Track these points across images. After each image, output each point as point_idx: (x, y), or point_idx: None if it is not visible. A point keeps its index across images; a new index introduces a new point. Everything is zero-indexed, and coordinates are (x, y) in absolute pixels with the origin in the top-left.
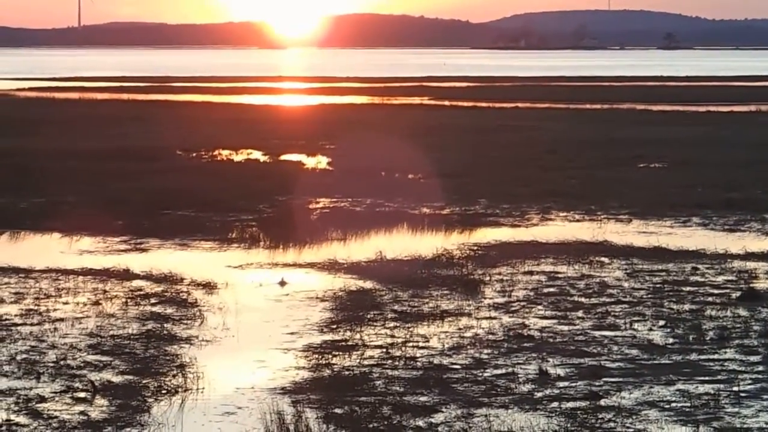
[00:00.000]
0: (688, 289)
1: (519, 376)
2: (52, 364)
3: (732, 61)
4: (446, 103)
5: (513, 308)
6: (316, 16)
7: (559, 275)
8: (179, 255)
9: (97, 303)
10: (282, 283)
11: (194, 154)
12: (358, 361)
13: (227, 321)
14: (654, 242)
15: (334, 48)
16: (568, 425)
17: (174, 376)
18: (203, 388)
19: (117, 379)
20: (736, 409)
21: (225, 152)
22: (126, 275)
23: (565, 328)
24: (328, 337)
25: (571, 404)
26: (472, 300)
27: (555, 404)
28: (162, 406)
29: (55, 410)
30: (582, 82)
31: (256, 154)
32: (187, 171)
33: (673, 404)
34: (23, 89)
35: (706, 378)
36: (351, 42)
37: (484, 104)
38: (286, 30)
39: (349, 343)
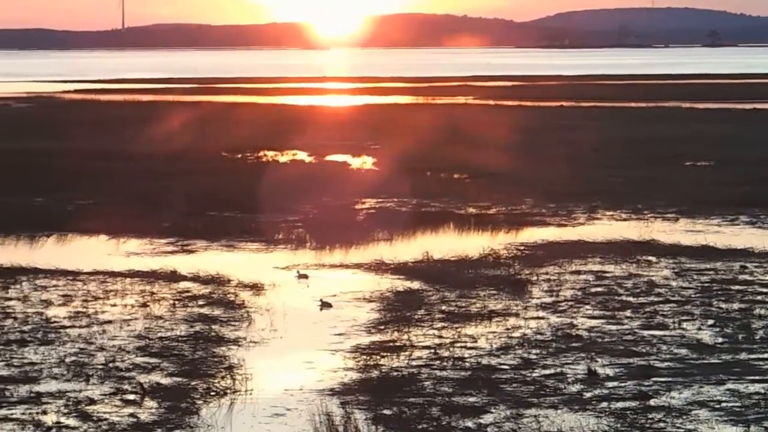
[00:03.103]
0: (736, 287)
1: (568, 376)
2: (101, 367)
3: None
4: (490, 102)
5: (561, 308)
6: (359, 16)
7: (607, 274)
8: (226, 256)
9: (144, 305)
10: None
11: (239, 156)
12: (406, 361)
13: (275, 322)
14: (702, 241)
15: (378, 48)
16: (618, 425)
17: (222, 377)
18: (252, 390)
19: (166, 381)
20: None
21: (270, 153)
22: (173, 277)
23: (614, 327)
24: (376, 338)
25: (620, 404)
26: (520, 300)
27: (604, 404)
28: (211, 408)
29: (105, 412)
30: (626, 80)
31: (302, 155)
32: (232, 172)
33: (723, 404)
34: (68, 91)
35: (757, 377)
36: (394, 42)
37: (528, 103)
38: (330, 30)
39: (397, 343)
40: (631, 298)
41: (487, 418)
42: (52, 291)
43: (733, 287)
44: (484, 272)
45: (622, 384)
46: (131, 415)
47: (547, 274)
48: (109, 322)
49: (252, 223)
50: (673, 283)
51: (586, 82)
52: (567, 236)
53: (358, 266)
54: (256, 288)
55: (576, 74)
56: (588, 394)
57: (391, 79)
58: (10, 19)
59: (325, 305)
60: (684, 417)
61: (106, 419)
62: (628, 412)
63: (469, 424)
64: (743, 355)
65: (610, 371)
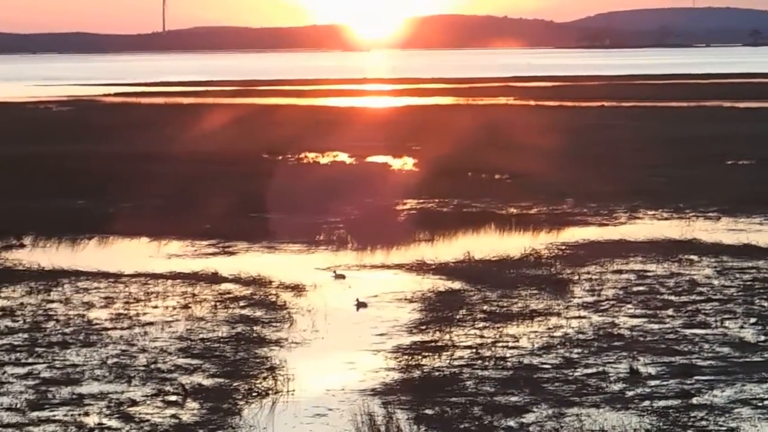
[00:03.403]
0: None
1: (610, 375)
2: (142, 368)
3: None
4: (531, 103)
5: (602, 307)
6: (399, 17)
7: (649, 273)
8: (267, 258)
9: (186, 306)
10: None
11: (280, 157)
12: (447, 361)
13: (316, 323)
14: (743, 239)
15: (418, 49)
16: (660, 424)
17: (264, 378)
18: (293, 390)
19: (207, 382)
20: None
21: (311, 155)
22: (214, 278)
23: (656, 326)
24: (418, 338)
25: (662, 403)
26: (561, 299)
27: (646, 403)
28: (253, 409)
29: (147, 414)
30: (667, 80)
31: (342, 156)
32: (273, 174)
33: (766, 402)
34: (109, 95)
35: None
36: (434, 43)
37: (569, 104)
38: (370, 32)
39: (439, 343)
40: (672, 297)
41: (529, 418)
42: (94, 293)
43: None
44: (526, 272)
45: (665, 383)
46: (173, 416)
47: (588, 273)
48: (151, 323)
49: (293, 225)
50: (715, 282)
51: (626, 82)
52: (608, 236)
53: (399, 266)
54: (298, 289)
55: (617, 74)
56: (630, 393)
57: (431, 80)
58: (51, 23)
59: (361, 305)
60: (726, 415)
61: (147, 420)
62: (671, 410)
63: (511, 423)
64: None
65: (652, 370)
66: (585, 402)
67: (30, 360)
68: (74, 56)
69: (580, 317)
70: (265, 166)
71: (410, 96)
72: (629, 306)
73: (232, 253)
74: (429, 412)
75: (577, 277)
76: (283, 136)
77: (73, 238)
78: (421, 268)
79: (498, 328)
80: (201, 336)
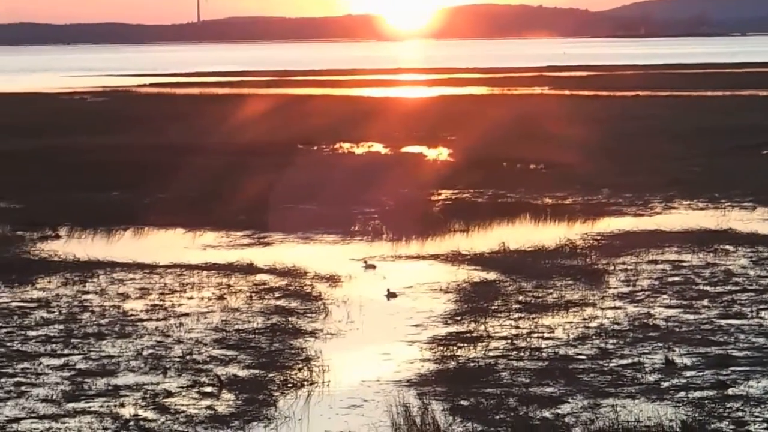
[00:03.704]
0: None
1: (645, 365)
2: (178, 359)
3: None
4: (566, 92)
5: (638, 298)
6: (433, 7)
7: (684, 264)
8: (302, 248)
9: (221, 298)
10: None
11: (315, 148)
12: (483, 352)
13: (351, 314)
14: None
15: (452, 39)
16: (696, 415)
17: (299, 369)
18: (329, 382)
19: (243, 373)
20: None
21: (346, 145)
22: (250, 269)
23: (691, 317)
24: (453, 328)
25: (698, 393)
26: (597, 290)
27: (682, 394)
28: (288, 400)
29: (182, 405)
30: (702, 69)
31: (377, 147)
32: (308, 164)
33: None
34: (144, 85)
35: None
36: (469, 33)
37: (604, 93)
38: (404, 22)
39: (474, 334)
40: (708, 288)
41: (564, 408)
42: (129, 284)
43: None
44: (561, 262)
45: (700, 373)
46: (208, 407)
47: (623, 263)
48: (186, 314)
49: (328, 215)
50: (751, 272)
51: (662, 71)
52: (643, 226)
53: (434, 257)
54: (333, 280)
55: (652, 63)
56: (665, 384)
57: (465, 70)
58: (86, 14)
59: (391, 295)
60: (763, 406)
61: (183, 412)
62: (706, 401)
63: (547, 414)
64: None
65: (687, 360)
66: (620, 393)
67: (65, 351)
68: (109, 47)
69: (615, 308)
70: (299, 156)
71: (444, 86)
72: (664, 296)
73: (267, 244)
74: (464, 403)
75: (612, 268)
76: (318, 126)
77: (109, 230)
78: (456, 258)
79: (533, 318)
80: (236, 327)
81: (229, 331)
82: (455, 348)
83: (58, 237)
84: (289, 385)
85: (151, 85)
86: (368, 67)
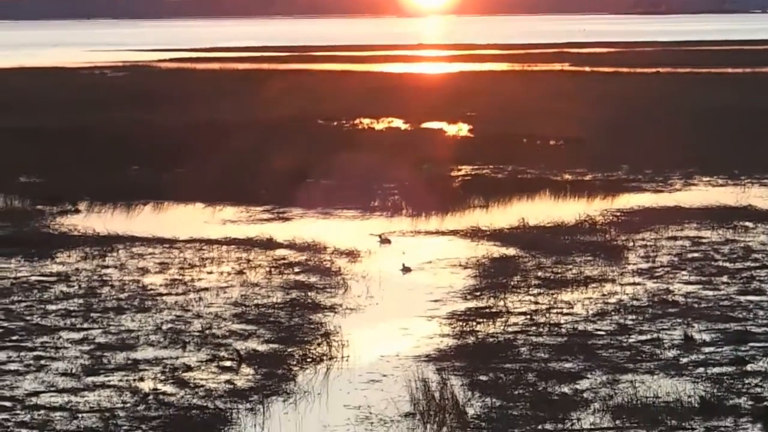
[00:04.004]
0: None
1: (664, 341)
2: (197, 334)
3: None
4: (586, 69)
5: (657, 274)
6: None
7: (703, 240)
8: (322, 224)
9: (241, 272)
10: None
11: (335, 123)
12: (502, 328)
13: (371, 289)
14: None
15: (472, 15)
16: (714, 390)
17: (319, 344)
18: (348, 356)
19: (262, 347)
20: None
21: (366, 121)
22: (269, 244)
23: (710, 293)
24: (472, 304)
25: (716, 369)
26: (616, 266)
27: (701, 369)
28: (307, 375)
29: (202, 379)
30: (724, 46)
31: (397, 123)
32: (328, 140)
33: None
34: (164, 60)
35: None
36: (489, 9)
37: (624, 70)
38: None
39: (493, 310)
40: (727, 264)
41: (583, 384)
42: (149, 259)
43: None
44: (580, 238)
45: (719, 349)
46: (228, 381)
47: (643, 240)
48: (206, 289)
49: (347, 190)
50: None
51: (683, 48)
52: (663, 202)
53: (453, 232)
54: (352, 255)
55: (673, 40)
56: (684, 360)
57: (486, 46)
58: None
59: (406, 269)
60: None
61: (202, 386)
62: (725, 377)
63: (566, 389)
64: None
65: (706, 336)
66: (639, 368)
67: (85, 325)
68: (129, 21)
69: (634, 284)
70: (320, 132)
71: (465, 62)
72: (684, 273)
73: (286, 219)
74: (483, 378)
75: (631, 244)
76: (338, 102)
77: (128, 204)
78: (475, 234)
79: (552, 294)
80: (255, 302)
81: (249, 306)
82: (474, 323)
83: (78, 211)
84: (309, 359)
85: (171, 60)
86: (389, 43)
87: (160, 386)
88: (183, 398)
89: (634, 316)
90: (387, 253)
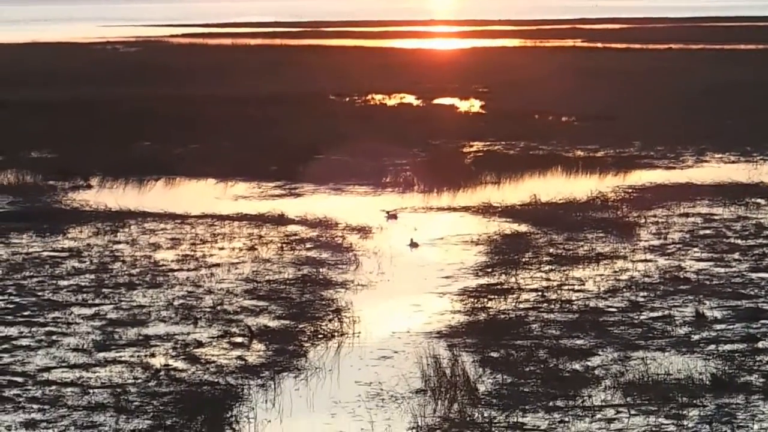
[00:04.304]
0: None
1: (675, 318)
2: (208, 310)
3: None
4: (599, 45)
5: (668, 251)
6: None
7: (715, 217)
8: (333, 200)
9: (252, 248)
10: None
11: (347, 99)
12: (513, 304)
13: (382, 265)
14: None
15: None
16: (726, 368)
17: (330, 320)
18: (359, 333)
19: (273, 323)
20: None
21: (378, 96)
22: (281, 220)
23: (722, 270)
24: (483, 280)
25: (728, 347)
26: (628, 242)
27: (712, 347)
28: (318, 351)
29: (213, 355)
30: (737, 22)
31: (409, 98)
32: (340, 116)
33: None
34: (176, 35)
35: None
36: None
37: (636, 46)
38: None
39: (505, 286)
40: (739, 241)
41: (594, 361)
42: (161, 234)
43: None
44: (592, 215)
45: (730, 326)
46: (239, 357)
47: (655, 216)
48: (217, 265)
49: (359, 166)
50: None
51: (695, 24)
52: (675, 179)
53: (465, 209)
54: (364, 231)
55: (685, 16)
56: (696, 337)
57: (498, 22)
58: None
59: (413, 245)
60: None
61: (213, 362)
62: (736, 354)
63: (577, 366)
64: None
65: (718, 314)
66: (650, 345)
67: (96, 301)
68: None
69: (646, 260)
70: (331, 107)
71: (477, 38)
72: (695, 249)
73: (298, 195)
74: (494, 354)
75: (643, 221)
76: (350, 77)
77: (140, 180)
78: (487, 210)
79: (564, 271)
80: (267, 278)
81: (260, 282)
82: (486, 300)
83: (89, 187)
84: (320, 336)
85: (183, 35)
86: (401, 19)
87: (171, 362)
88: (194, 374)
89: (645, 293)
90: (398, 230)
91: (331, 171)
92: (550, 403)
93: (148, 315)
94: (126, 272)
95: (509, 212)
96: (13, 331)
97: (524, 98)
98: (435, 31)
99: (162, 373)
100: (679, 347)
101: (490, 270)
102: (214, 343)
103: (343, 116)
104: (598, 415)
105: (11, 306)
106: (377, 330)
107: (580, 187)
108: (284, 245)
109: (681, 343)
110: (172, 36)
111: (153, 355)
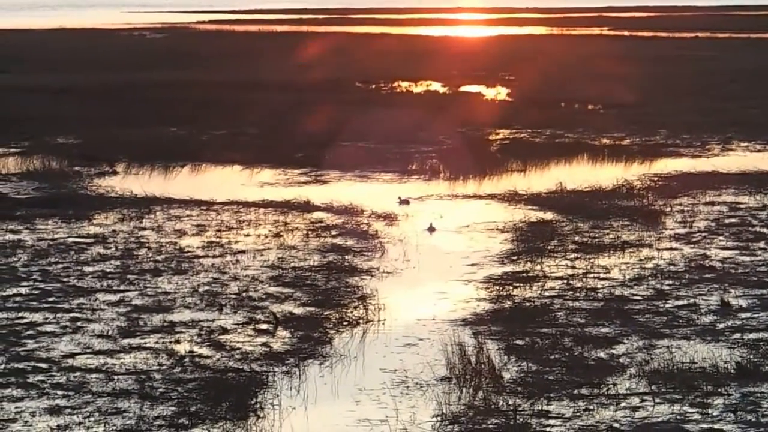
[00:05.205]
0: None
1: (701, 307)
2: (234, 296)
3: None
4: (626, 33)
5: (694, 239)
6: None
7: (741, 205)
8: (359, 187)
9: (278, 235)
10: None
11: (373, 86)
12: (538, 292)
13: (408, 252)
14: None
15: None
16: (751, 356)
17: (355, 307)
18: (384, 320)
19: (299, 310)
20: None
21: (404, 84)
22: (306, 207)
23: (747, 258)
24: (509, 268)
25: (753, 335)
26: (653, 231)
27: (737, 335)
28: (343, 338)
29: (238, 342)
30: (762, 11)
31: (435, 86)
32: (366, 102)
33: None
34: (203, 22)
35: None
36: None
37: (663, 34)
38: None
39: (530, 274)
40: (765, 230)
41: (619, 349)
42: (186, 221)
43: None
44: (618, 203)
45: (756, 315)
46: (264, 344)
47: (680, 205)
48: (243, 252)
49: (385, 154)
50: None
51: (722, 12)
52: (701, 167)
53: (491, 196)
54: (389, 218)
55: (712, 5)
56: (721, 325)
57: (525, 9)
58: None
59: (431, 229)
60: None
61: (238, 348)
62: (761, 343)
63: (602, 354)
64: None
65: (743, 302)
66: (675, 334)
67: (122, 287)
68: None
69: (671, 249)
70: (358, 94)
71: (503, 26)
72: (721, 238)
73: (323, 182)
74: (519, 342)
75: (669, 209)
76: (376, 64)
77: (166, 166)
78: (512, 198)
79: (589, 259)
80: (292, 264)
81: (285, 269)
82: (511, 287)
83: (115, 173)
84: (345, 323)
85: (210, 22)
86: (428, 6)
87: (196, 348)
88: (219, 361)
89: (670, 281)
90: (425, 217)
91: (357, 158)
92: (575, 391)
93: (173, 301)
94: (151, 258)
95: (535, 200)
96: (38, 317)
97: (551, 86)
98: (462, 19)
99: (186, 359)
100: (704, 336)
101: (515, 257)
102: (239, 330)
103: (370, 103)
104: (623, 403)
105: (36, 292)
106: (402, 317)
107: (606, 175)
108: (309, 232)
109: (706, 331)
110: (199, 23)
111: (178, 342)
